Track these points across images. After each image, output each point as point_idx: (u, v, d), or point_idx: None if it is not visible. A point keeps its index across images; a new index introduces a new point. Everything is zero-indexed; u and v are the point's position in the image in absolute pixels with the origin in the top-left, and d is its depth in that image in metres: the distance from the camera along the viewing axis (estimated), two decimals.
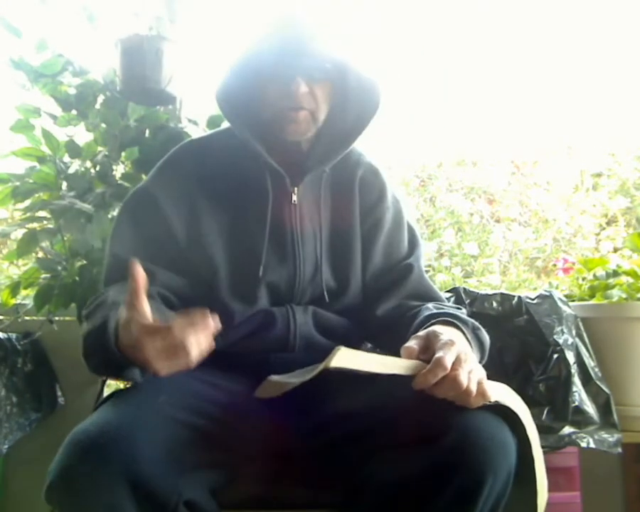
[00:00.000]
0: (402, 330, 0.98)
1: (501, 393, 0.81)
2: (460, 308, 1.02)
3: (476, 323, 0.94)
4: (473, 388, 0.75)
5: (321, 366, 0.75)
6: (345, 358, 0.75)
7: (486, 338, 0.95)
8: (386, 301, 1.08)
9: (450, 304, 1.06)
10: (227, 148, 1.08)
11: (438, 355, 0.76)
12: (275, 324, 1.02)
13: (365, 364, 0.75)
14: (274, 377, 0.91)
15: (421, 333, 0.84)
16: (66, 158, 1.57)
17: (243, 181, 1.06)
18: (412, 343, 0.81)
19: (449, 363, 0.75)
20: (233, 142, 1.06)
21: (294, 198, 1.06)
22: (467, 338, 0.88)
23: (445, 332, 0.83)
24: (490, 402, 0.77)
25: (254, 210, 1.05)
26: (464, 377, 0.75)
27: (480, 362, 0.90)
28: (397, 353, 0.81)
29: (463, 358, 0.77)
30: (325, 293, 1.06)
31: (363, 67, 1.04)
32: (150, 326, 0.74)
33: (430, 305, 1.02)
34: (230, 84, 1.04)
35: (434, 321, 0.92)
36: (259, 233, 1.04)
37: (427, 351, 0.80)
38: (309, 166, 1.07)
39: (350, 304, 1.09)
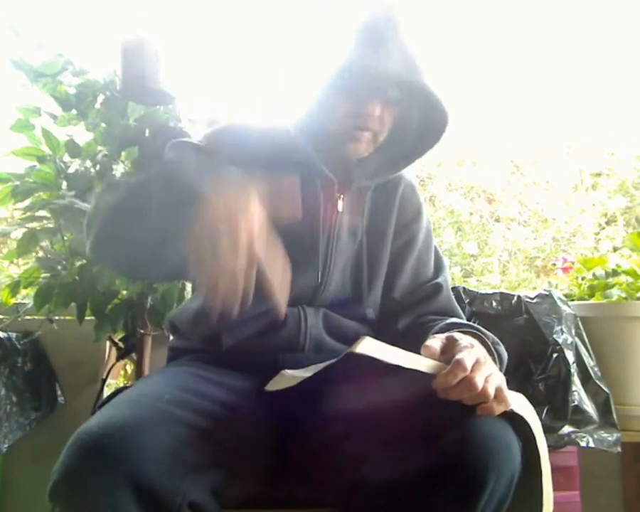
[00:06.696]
0: (421, 339, 0.98)
1: (518, 402, 0.80)
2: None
3: (496, 339, 0.95)
4: (491, 392, 0.75)
5: (344, 352, 0.75)
6: (370, 347, 0.75)
7: (505, 353, 0.95)
8: (409, 316, 1.09)
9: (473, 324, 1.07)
10: (284, 141, 1.06)
11: (458, 356, 0.75)
12: (286, 324, 1.02)
13: (389, 355, 0.75)
14: (288, 372, 0.90)
15: (440, 335, 0.84)
16: (66, 158, 1.57)
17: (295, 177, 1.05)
18: (433, 343, 0.81)
19: (469, 364, 0.74)
20: (289, 138, 1.05)
21: (340, 204, 1.07)
22: (488, 348, 0.88)
23: (464, 338, 0.83)
24: (510, 409, 0.77)
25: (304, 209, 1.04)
26: (479, 379, 0.74)
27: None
28: None
29: (482, 361, 0.77)
30: (339, 300, 1.07)
31: (437, 92, 1.00)
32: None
33: (454, 319, 1.03)
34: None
35: (456, 330, 0.91)
36: (308, 233, 1.04)
37: (445, 354, 0.80)
38: (357, 177, 1.08)
39: (366, 313, 1.09)
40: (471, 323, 0.99)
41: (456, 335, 0.83)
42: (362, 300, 1.09)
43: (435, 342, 0.81)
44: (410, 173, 1.18)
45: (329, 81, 0.97)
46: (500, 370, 0.92)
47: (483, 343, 0.89)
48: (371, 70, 0.95)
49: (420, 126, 1.06)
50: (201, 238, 0.70)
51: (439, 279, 1.13)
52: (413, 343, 0.94)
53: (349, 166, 1.07)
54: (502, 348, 0.95)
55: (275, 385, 0.88)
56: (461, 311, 1.13)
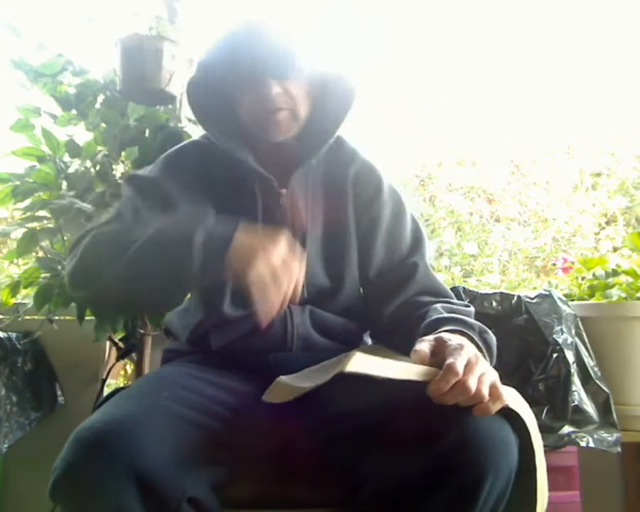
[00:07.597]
0: (411, 329, 0.97)
1: (512, 398, 0.80)
2: (468, 306, 1.02)
3: (483, 327, 0.94)
4: (485, 392, 0.74)
5: (336, 370, 0.75)
6: (361, 363, 0.74)
7: (493, 340, 0.94)
8: (393, 302, 1.07)
9: (458, 302, 1.05)
10: (216, 154, 1.08)
11: (449, 361, 0.75)
12: (273, 324, 1.02)
13: (380, 369, 0.75)
14: (284, 379, 0.90)
15: (429, 337, 0.84)
16: (66, 158, 1.57)
17: (232, 187, 1.07)
18: (422, 346, 0.80)
19: (460, 368, 0.74)
20: (220, 149, 1.06)
21: (282, 200, 1.06)
22: (476, 344, 0.88)
23: (453, 338, 0.82)
24: (506, 406, 0.76)
25: (244, 216, 1.03)
26: (472, 382, 0.73)
27: (490, 365, 0.89)
28: (407, 353, 0.81)
29: (473, 362, 0.76)
30: (318, 292, 1.07)
31: (336, 59, 1.03)
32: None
33: (439, 306, 1.00)
34: (205, 96, 1.05)
35: (443, 329, 0.90)
36: None
37: (436, 356, 0.79)
38: (297, 163, 1.07)
39: (348, 303, 1.09)
40: (455, 313, 0.97)
41: (445, 335, 0.83)
42: (340, 290, 1.08)
43: (424, 345, 0.80)
44: (366, 152, 1.15)
45: (229, 79, 1.01)
46: (492, 358, 0.91)
47: (471, 338, 0.89)
48: (257, 53, 0.98)
49: (337, 92, 1.05)
50: (264, 274, 0.83)
51: (416, 257, 1.10)
52: (404, 333, 0.94)
53: (288, 156, 1.06)
54: (489, 336, 0.94)
55: (272, 396, 0.89)
56: (444, 285, 1.10)
